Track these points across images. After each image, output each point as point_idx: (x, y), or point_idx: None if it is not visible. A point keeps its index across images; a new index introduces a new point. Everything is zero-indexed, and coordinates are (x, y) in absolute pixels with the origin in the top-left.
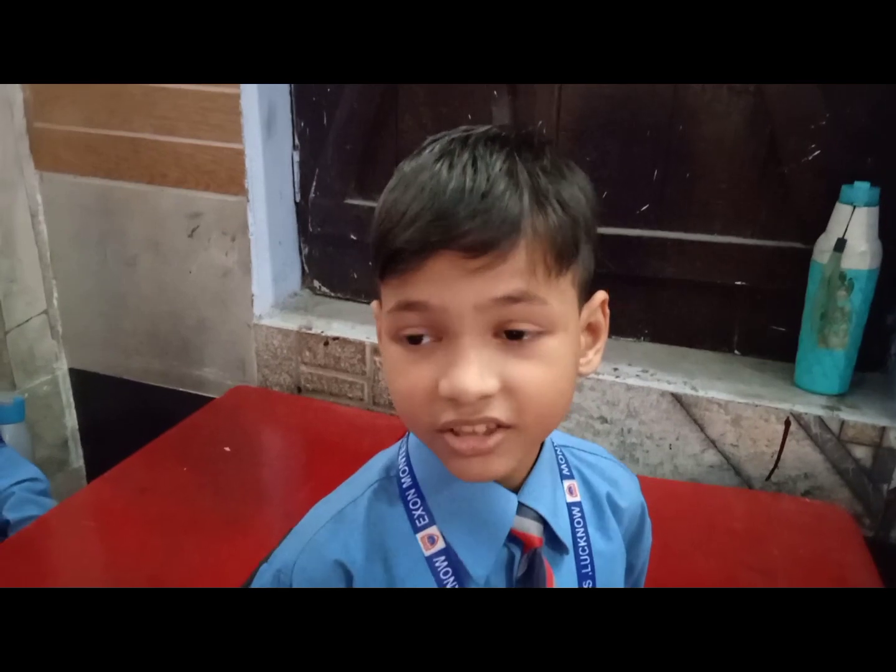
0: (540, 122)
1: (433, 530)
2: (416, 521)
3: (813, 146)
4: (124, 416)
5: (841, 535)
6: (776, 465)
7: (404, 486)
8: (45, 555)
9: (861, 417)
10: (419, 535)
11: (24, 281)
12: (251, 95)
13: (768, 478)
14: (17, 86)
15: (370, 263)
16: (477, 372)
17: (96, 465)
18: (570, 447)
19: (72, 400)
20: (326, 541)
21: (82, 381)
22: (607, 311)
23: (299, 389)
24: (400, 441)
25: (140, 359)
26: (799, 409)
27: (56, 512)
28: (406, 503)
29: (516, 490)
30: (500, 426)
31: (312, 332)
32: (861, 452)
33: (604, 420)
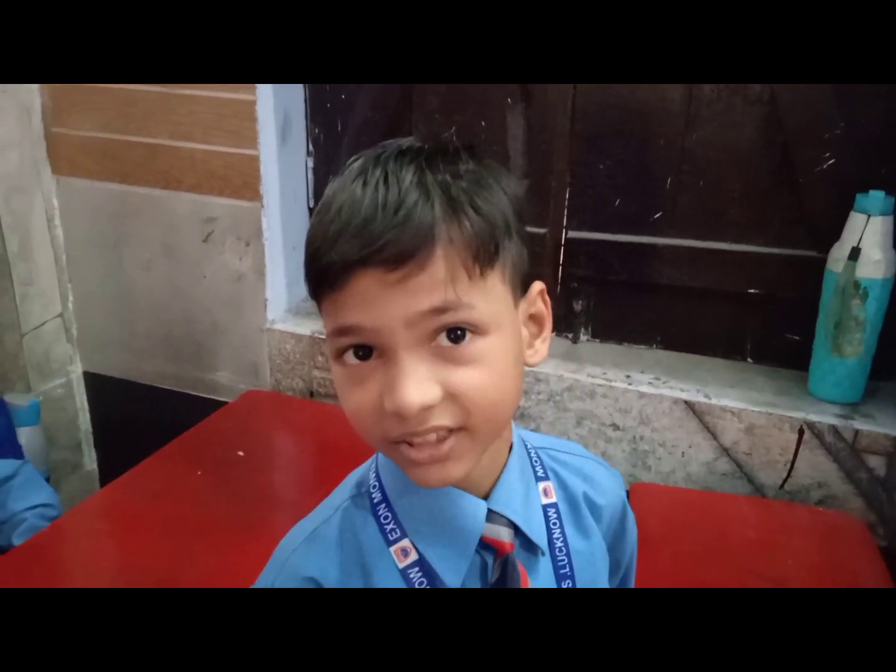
0: (453, 129)
1: (405, 543)
2: (389, 535)
3: (827, 155)
4: (137, 419)
5: (855, 544)
6: (789, 474)
7: (375, 500)
8: (58, 558)
9: (875, 426)
10: (392, 549)
11: (39, 284)
12: (267, 102)
13: (781, 486)
14: (36, 91)
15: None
16: (416, 385)
17: (109, 468)
18: (546, 448)
19: (86, 403)
20: (301, 561)
21: (96, 384)
22: (547, 299)
23: (311, 394)
24: (370, 459)
25: (153, 362)
26: (813, 417)
27: (70, 515)
28: (377, 517)
29: (485, 496)
30: (450, 431)
31: (325, 336)
32: (875, 462)
33: (616, 427)
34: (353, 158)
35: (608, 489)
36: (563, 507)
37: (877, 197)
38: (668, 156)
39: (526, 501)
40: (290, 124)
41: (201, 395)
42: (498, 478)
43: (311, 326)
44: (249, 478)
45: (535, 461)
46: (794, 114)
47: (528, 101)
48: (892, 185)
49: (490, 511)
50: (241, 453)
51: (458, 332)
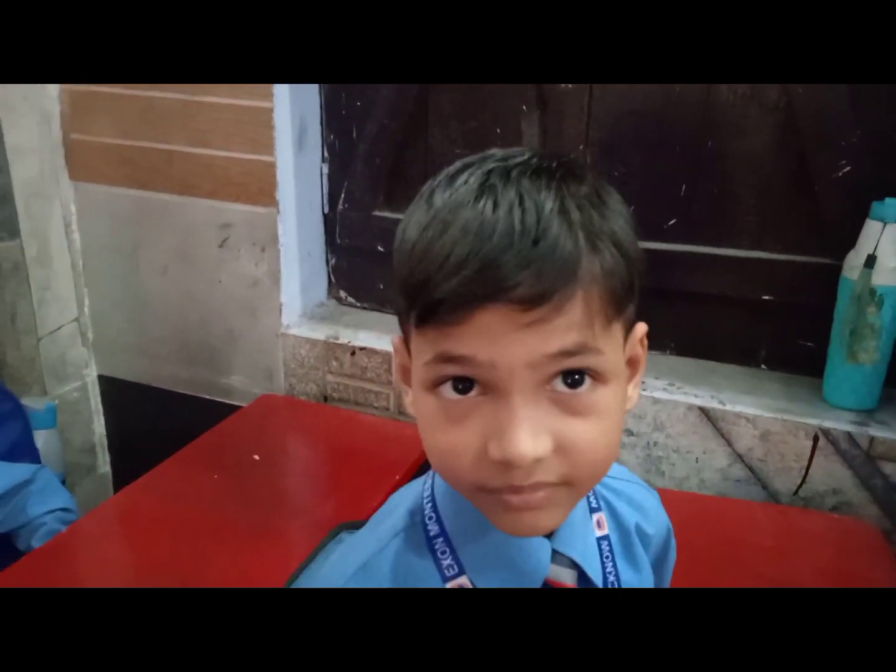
0: (581, 147)
1: (463, 580)
2: (445, 571)
3: (843, 162)
4: (152, 422)
5: (869, 551)
6: (804, 481)
7: (431, 534)
8: (76, 561)
9: (891, 433)
10: (448, 585)
11: (57, 289)
12: (283, 109)
13: (796, 493)
14: (55, 98)
15: (399, 303)
16: (530, 434)
17: (123, 471)
18: None
19: (100, 406)
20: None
21: (111, 387)
22: (646, 343)
23: (326, 398)
24: (423, 481)
25: (168, 366)
26: (828, 424)
27: (87, 519)
28: (434, 552)
29: (549, 536)
30: (550, 485)
31: (339, 341)
32: (890, 468)
33: (630, 433)
34: (461, 163)
35: (655, 517)
36: (614, 538)
37: (893, 205)
38: (683, 163)
39: (584, 538)
40: (305, 131)
41: (216, 399)
42: None
43: (325, 332)
44: (265, 482)
45: (589, 493)
46: (810, 121)
47: (543, 108)
48: None
49: (554, 552)
50: (256, 457)
51: (577, 377)
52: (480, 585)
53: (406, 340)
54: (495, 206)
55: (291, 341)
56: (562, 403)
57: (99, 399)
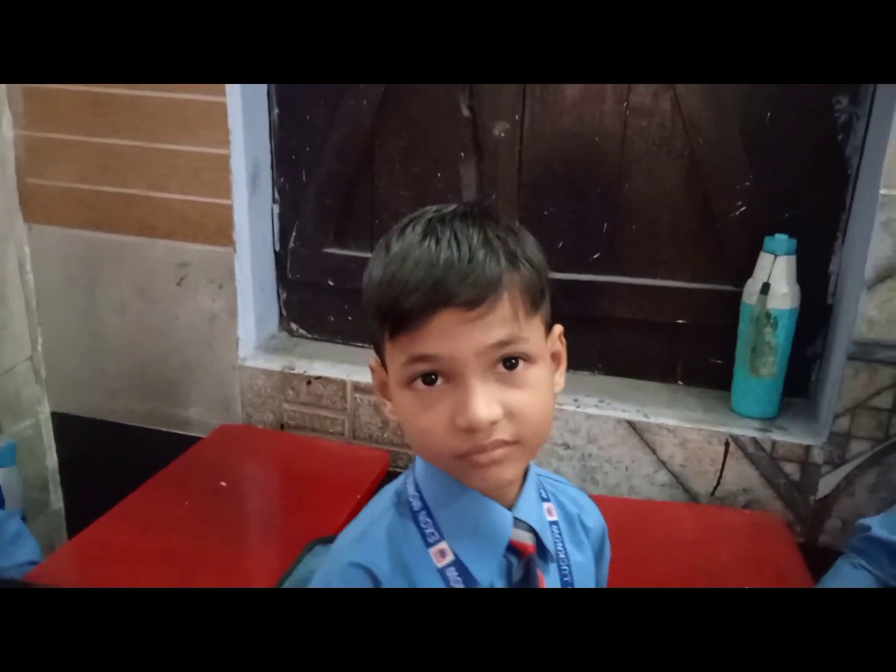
0: (493, 196)
1: (443, 545)
2: (428, 538)
3: (739, 203)
4: (107, 457)
5: (777, 540)
6: (719, 482)
7: (415, 508)
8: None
9: (789, 437)
10: (431, 550)
11: (11, 328)
12: (239, 154)
13: (713, 493)
14: (10, 142)
15: (373, 327)
16: (484, 404)
17: (77, 507)
18: (544, 476)
19: (53, 442)
20: (354, 554)
21: (64, 423)
22: (564, 340)
23: (282, 426)
24: (405, 473)
25: (124, 401)
26: (736, 431)
27: (60, 553)
28: (417, 522)
29: (510, 508)
30: (506, 443)
31: (295, 371)
32: (790, 468)
33: (567, 446)
34: (407, 218)
35: (593, 515)
36: (562, 525)
37: (782, 239)
38: (604, 203)
39: (539, 515)
40: (258, 174)
41: (172, 430)
42: (519, 493)
43: (281, 362)
44: (235, 507)
45: (539, 485)
46: (711, 168)
47: (479, 154)
48: (795, 228)
49: (515, 519)
50: (223, 484)
51: (513, 361)
52: (457, 548)
53: (381, 359)
54: (437, 242)
55: (248, 373)
56: (505, 381)
57: (52, 436)
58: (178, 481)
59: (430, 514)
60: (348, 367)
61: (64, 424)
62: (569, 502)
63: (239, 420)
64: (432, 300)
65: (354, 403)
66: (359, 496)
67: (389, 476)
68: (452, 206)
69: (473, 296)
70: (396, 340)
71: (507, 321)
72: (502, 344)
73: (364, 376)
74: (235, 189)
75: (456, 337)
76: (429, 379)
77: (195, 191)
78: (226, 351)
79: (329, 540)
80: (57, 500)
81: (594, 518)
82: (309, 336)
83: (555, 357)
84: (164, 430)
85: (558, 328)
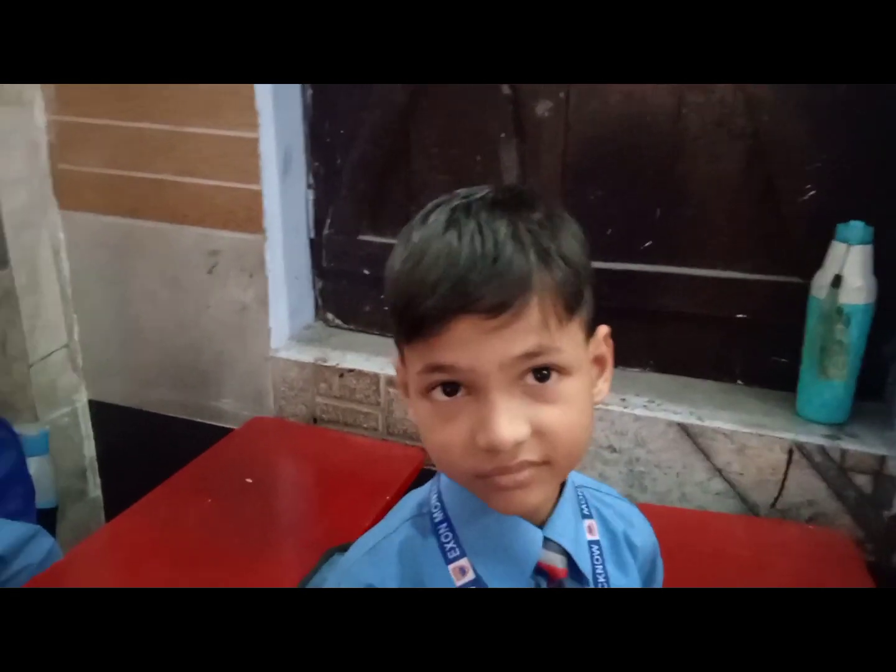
0: (533, 179)
1: (464, 562)
2: (448, 553)
3: (808, 186)
4: (142, 446)
5: (843, 560)
6: (780, 493)
7: (436, 520)
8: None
9: (861, 446)
10: (450, 567)
11: (46, 316)
12: (269, 139)
13: (773, 505)
14: (43, 129)
15: (393, 325)
16: (508, 422)
17: (114, 495)
18: (588, 487)
19: (90, 431)
20: (361, 570)
21: (101, 412)
22: (610, 342)
23: (315, 420)
24: (431, 481)
25: (158, 391)
26: (801, 438)
27: (83, 546)
28: (438, 536)
29: (542, 525)
30: (532, 464)
31: (328, 364)
32: (862, 480)
33: (613, 449)
34: (432, 204)
35: (642, 531)
36: (604, 544)
37: (856, 227)
38: (656, 187)
39: (576, 534)
40: (290, 159)
41: (205, 421)
42: (553, 509)
43: (313, 354)
44: (259, 505)
45: (581, 499)
46: (775, 147)
47: (521, 136)
48: (871, 214)
49: (546, 539)
50: (249, 480)
51: (545, 372)
52: (479, 567)
53: (402, 358)
54: (459, 236)
55: (280, 364)
56: (534, 394)
57: (89, 424)
58: (203, 476)
59: (451, 529)
60: (383, 360)
61: (101, 413)
62: (615, 518)
63: (272, 412)
64: (451, 305)
65: (388, 398)
66: (389, 496)
67: (423, 475)
68: (483, 191)
69: (497, 301)
70: (413, 346)
71: (536, 329)
72: (530, 356)
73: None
74: (265, 174)
75: (477, 347)
76: (448, 389)
77: (224, 176)
78: (257, 341)
79: (345, 549)
80: (95, 489)
81: (643, 536)
82: (344, 326)
83: (598, 361)
84: (197, 420)
85: (603, 329)
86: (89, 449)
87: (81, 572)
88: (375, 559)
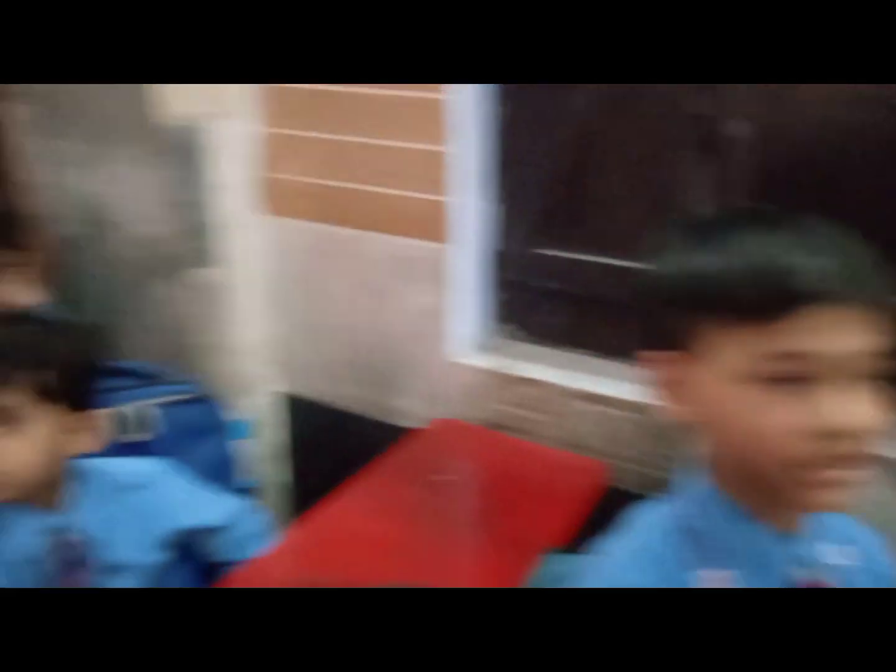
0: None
1: (724, 573)
2: (708, 563)
3: None
4: (329, 438)
5: None
6: None
7: (695, 528)
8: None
9: None
10: (708, 576)
11: (252, 312)
12: (457, 151)
13: None
14: (254, 139)
15: (687, 314)
16: (868, 408)
17: (304, 483)
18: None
19: (283, 421)
20: (624, 573)
21: (295, 403)
22: None
23: (495, 427)
24: (671, 497)
25: (347, 387)
26: None
27: (286, 543)
28: (697, 544)
29: (796, 542)
30: (858, 460)
31: (508, 372)
32: None
33: None
34: (723, 215)
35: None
36: (852, 572)
37: None
38: (864, 217)
39: (828, 555)
40: (477, 172)
41: (387, 420)
42: (809, 525)
43: (493, 362)
44: (448, 501)
45: (831, 520)
46: None
47: (710, 156)
48: None
49: (800, 556)
50: (440, 477)
51: (878, 375)
52: (738, 580)
53: (684, 350)
54: (807, 237)
55: (461, 370)
56: (867, 394)
57: (283, 414)
58: (396, 470)
59: (710, 538)
60: (562, 372)
61: (295, 405)
62: (859, 548)
63: (452, 416)
64: (838, 287)
65: (567, 409)
66: (576, 505)
67: (608, 492)
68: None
69: (875, 295)
70: (751, 330)
71: (879, 332)
72: (875, 354)
73: (578, 382)
74: (453, 186)
75: (847, 335)
76: (791, 376)
77: (412, 187)
78: (440, 347)
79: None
80: (285, 475)
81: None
82: (525, 338)
83: None
84: (379, 419)
85: None
86: (281, 437)
87: (289, 559)
88: (637, 563)
